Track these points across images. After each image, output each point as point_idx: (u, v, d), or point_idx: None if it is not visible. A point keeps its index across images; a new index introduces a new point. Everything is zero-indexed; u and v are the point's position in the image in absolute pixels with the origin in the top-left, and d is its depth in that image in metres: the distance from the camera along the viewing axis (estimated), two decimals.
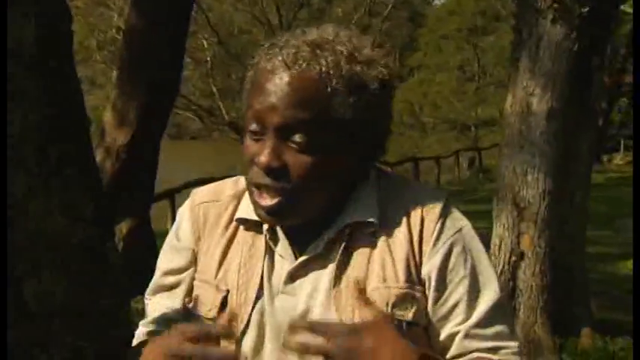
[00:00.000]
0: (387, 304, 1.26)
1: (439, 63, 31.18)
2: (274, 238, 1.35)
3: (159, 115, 7.73)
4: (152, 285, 1.46)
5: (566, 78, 5.21)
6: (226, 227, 1.40)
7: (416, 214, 1.31)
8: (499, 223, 5.47)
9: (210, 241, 1.40)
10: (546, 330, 5.42)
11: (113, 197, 7.67)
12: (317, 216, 1.31)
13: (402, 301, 1.27)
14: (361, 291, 1.26)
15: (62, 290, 2.36)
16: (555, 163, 5.28)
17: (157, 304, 1.43)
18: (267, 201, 1.27)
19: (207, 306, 1.37)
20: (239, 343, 1.34)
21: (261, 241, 1.36)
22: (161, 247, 1.47)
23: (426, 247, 1.29)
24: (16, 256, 2.24)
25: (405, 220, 1.31)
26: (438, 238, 1.29)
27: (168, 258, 1.45)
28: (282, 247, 1.34)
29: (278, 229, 1.35)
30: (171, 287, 1.42)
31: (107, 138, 7.71)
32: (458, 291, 1.29)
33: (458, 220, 1.32)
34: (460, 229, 1.31)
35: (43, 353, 2.29)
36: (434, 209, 1.31)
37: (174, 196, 10.77)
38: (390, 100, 1.33)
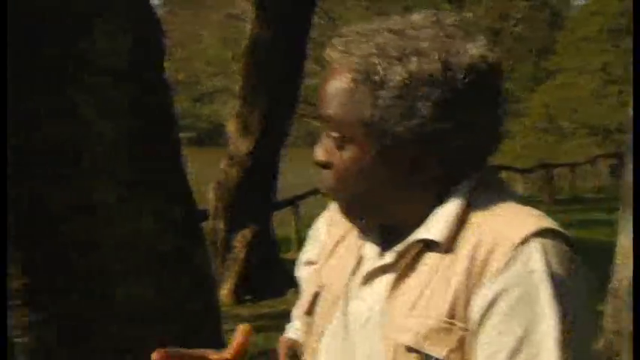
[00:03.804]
0: (419, 335, 1.14)
1: (579, 66, 29.98)
2: (366, 240, 1.30)
3: (280, 123, 7.90)
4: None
5: None
6: (342, 224, 1.36)
7: (489, 241, 1.12)
8: (624, 235, 5.19)
9: (333, 234, 1.39)
10: None
11: (237, 204, 7.90)
12: (399, 222, 1.23)
13: (436, 334, 1.13)
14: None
15: (151, 295, 2.43)
16: None
17: (300, 294, 1.44)
18: (324, 193, 1.26)
19: (303, 299, 1.36)
20: (317, 347, 1.31)
21: (357, 240, 1.32)
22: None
23: (484, 281, 1.11)
24: (107, 262, 2.34)
25: (474, 246, 1.14)
26: (496, 275, 1.09)
27: (307, 249, 1.48)
28: (369, 249, 1.29)
29: (373, 230, 1.29)
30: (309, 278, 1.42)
31: (231, 147, 7.96)
32: (497, 343, 1.10)
33: (534, 260, 1.09)
34: (531, 272, 1.09)
35: (130, 356, 2.37)
36: (511, 239, 1.10)
37: (298, 203, 10.94)
38: (468, 108, 1.14)
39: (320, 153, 1.24)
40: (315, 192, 10.93)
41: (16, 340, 2.28)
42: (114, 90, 2.37)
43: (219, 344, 2.58)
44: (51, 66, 2.25)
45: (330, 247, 1.38)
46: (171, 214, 2.48)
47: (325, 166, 1.23)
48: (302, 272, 1.47)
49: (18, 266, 2.24)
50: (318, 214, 1.49)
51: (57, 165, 2.26)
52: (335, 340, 1.29)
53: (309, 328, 1.35)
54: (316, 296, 1.33)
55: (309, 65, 9.69)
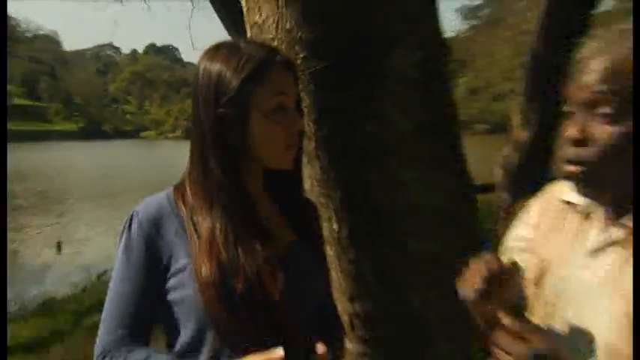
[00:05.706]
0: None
1: None
2: (587, 215, 1.37)
3: (548, 118, 7.96)
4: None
5: None
6: (557, 208, 1.46)
7: None
8: None
9: (545, 218, 1.49)
10: None
11: (518, 180, 8.06)
12: (624, 198, 1.26)
13: None
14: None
15: (437, 249, 2.94)
16: None
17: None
18: (571, 170, 1.30)
19: (529, 272, 1.47)
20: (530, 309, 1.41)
21: (575, 219, 1.40)
22: None
23: None
24: (400, 221, 2.94)
25: None
26: None
27: (517, 228, 1.58)
28: (593, 223, 1.34)
29: (594, 207, 1.35)
30: (519, 250, 1.56)
31: (514, 136, 8.22)
32: None
33: None
34: None
35: (432, 294, 2.89)
36: None
37: None
38: None
39: (577, 130, 1.27)
40: None
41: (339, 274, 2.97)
42: (410, 95, 2.86)
43: None
44: (365, 79, 2.82)
45: (544, 228, 1.47)
46: (451, 185, 2.98)
47: (580, 142, 1.27)
48: (516, 244, 1.55)
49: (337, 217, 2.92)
50: None
51: (373, 158, 2.85)
52: (538, 304, 1.39)
53: (536, 297, 1.43)
54: (541, 270, 1.41)
55: None
